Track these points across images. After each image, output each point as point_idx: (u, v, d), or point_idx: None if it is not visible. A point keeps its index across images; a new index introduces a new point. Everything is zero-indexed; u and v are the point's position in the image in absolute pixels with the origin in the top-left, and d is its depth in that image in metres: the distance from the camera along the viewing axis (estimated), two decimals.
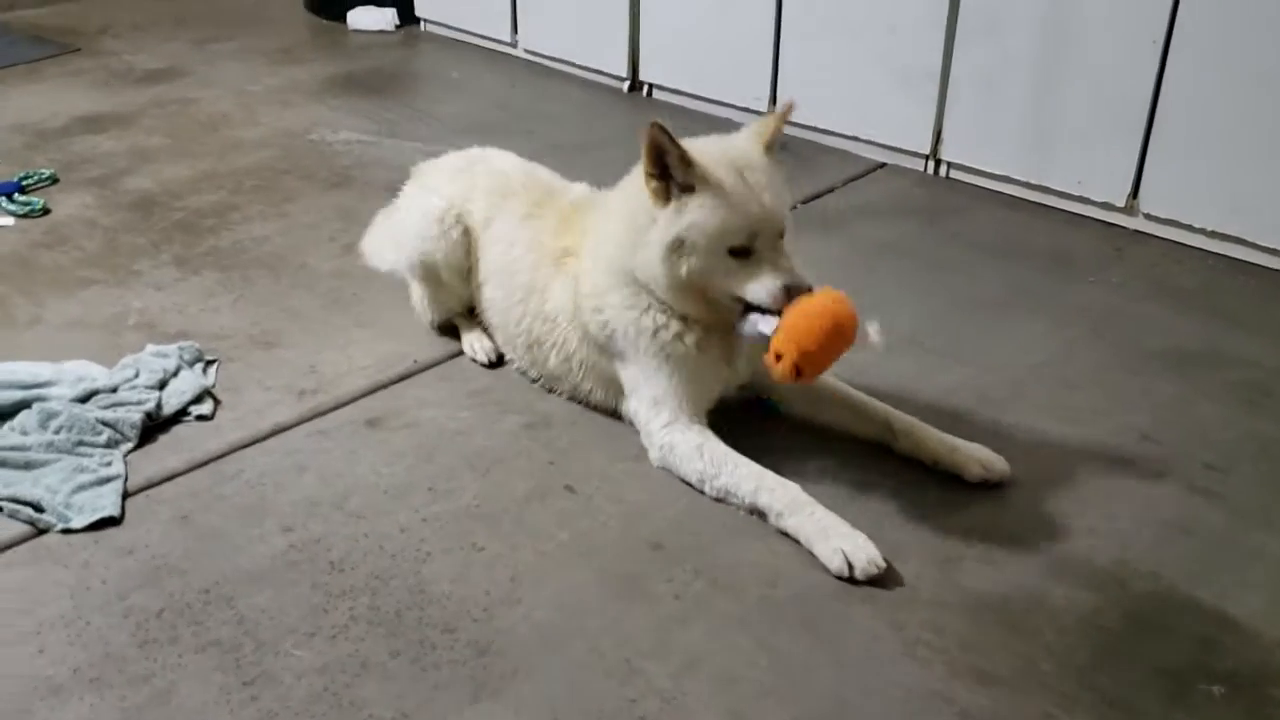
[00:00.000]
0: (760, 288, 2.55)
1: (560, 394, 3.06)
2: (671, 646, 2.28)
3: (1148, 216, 4.04)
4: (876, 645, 2.29)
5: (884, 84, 4.51)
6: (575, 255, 2.90)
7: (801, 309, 2.50)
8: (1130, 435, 2.95)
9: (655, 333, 2.72)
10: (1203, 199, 3.90)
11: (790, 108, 2.75)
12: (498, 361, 3.20)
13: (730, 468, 2.63)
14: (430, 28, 6.39)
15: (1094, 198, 4.14)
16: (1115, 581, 2.47)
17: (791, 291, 2.52)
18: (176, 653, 2.25)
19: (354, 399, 3.07)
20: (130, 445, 2.83)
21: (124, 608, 2.36)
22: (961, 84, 4.33)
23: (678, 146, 2.53)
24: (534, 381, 3.11)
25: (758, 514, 2.59)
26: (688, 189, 2.56)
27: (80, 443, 2.78)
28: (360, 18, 6.44)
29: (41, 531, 2.56)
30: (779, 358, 2.48)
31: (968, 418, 2.95)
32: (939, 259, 3.93)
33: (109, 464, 2.75)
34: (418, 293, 3.34)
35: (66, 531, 2.55)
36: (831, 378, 2.89)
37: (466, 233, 3.16)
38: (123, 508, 2.63)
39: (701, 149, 2.60)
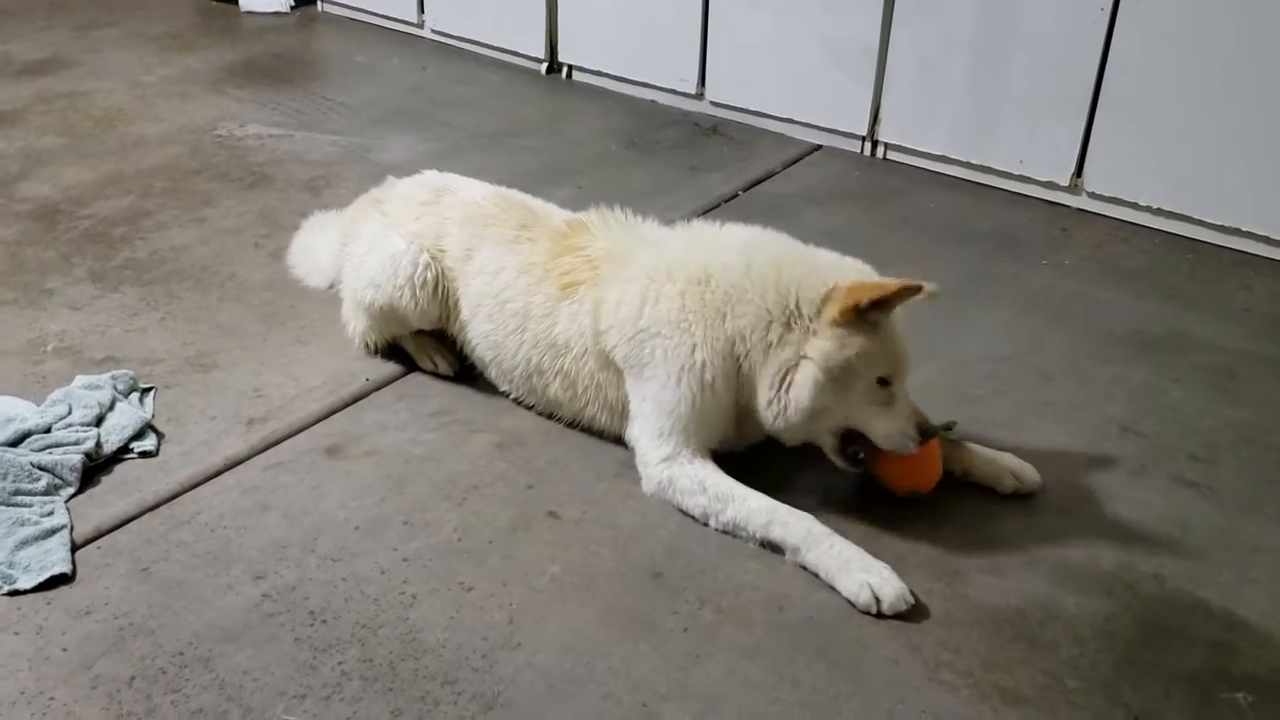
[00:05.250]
0: (893, 427, 2.52)
1: (560, 420, 2.90)
2: (688, 686, 2.17)
3: (1091, 195, 4.03)
4: (898, 670, 2.22)
5: (819, 63, 4.42)
6: (588, 284, 2.73)
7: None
8: (1111, 428, 2.93)
9: (693, 367, 2.59)
10: (1147, 176, 3.89)
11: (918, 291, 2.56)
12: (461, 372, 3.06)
13: (738, 502, 2.53)
14: (328, 8, 6.11)
15: (1037, 177, 4.11)
16: (1122, 585, 2.43)
17: (924, 435, 2.53)
18: None
19: (308, 425, 2.88)
20: (72, 490, 2.62)
21: (91, 678, 2.17)
22: (900, 62, 4.26)
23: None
24: (531, 408, 2.94)
25: (770, 547, 2.49)
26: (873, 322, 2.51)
27: (17, 491, 2.56)
28: None
29: None
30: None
31: (950, 417, 2.87)
32: (888, 246, 3.85)
33: (50, 513, 2.53)
34: (360, 322, 3.10)
35: (14, 594, 2.34)
36: None
37: (440, 275, 2.95)
38: (73, 562, 2.42)
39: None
